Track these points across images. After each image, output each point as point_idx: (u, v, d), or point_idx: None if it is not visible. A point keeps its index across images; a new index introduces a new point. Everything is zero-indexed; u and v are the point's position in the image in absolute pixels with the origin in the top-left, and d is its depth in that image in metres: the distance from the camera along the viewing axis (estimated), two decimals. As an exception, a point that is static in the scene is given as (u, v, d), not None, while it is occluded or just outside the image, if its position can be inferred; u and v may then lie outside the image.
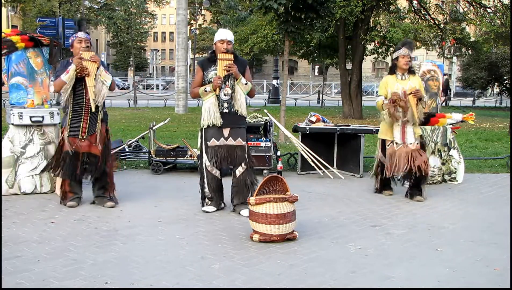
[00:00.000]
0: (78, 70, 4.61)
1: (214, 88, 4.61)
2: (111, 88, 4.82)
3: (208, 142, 4.73)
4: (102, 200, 4.91)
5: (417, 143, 5.44)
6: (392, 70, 5.53)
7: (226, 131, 4.70)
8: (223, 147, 4.70)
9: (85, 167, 4.85)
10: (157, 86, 34.33)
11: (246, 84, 4.72)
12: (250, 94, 4.85)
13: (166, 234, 4.10)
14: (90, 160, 4.83)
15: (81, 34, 4.77)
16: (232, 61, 4.63)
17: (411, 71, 5.48)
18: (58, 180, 5.34)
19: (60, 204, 4.89)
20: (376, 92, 38.27)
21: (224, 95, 4.66)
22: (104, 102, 4.90)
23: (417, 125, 5.45)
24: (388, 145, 5.53)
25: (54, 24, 16.85)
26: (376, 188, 5.82)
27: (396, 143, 5.45)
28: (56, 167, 4.87)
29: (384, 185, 5.75)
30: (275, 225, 3.85)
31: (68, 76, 4.62)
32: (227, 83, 4.66)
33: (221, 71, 4.61)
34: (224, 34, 4.74)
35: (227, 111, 4.66)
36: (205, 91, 4.66)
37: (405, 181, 5.95)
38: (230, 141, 4.71)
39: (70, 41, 4.85)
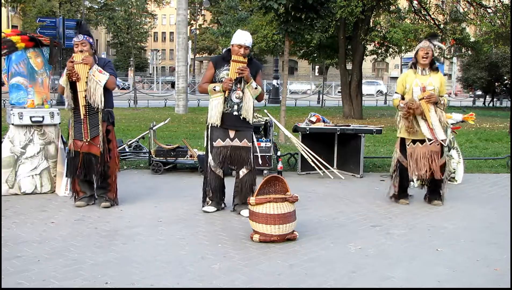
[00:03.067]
0: (67, 74, 4.57)
1: (224, 90, 4.59)
2: (109, 87, 4.70)
3: (213, 142, 4.72)
4: (100, 200, 4.90)
5: (438, 145, 5.13)
6: (414, 66, 5.22)
7: (232, 133, 4.69)
8: (228, 148, 4.69)
9: (89, 166, 4.82)
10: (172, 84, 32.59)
11: (256, 88, 4.68)
12: (259, 98, 4.82)
13: (166, 234, 4.10)
14: (90, 159, 4.79)
15: (76, 38, 4.67)
16: (246, 64, 4.59)
17: (434, 68, 5.17)
18: (58, 180, 5.35)
19: (65, 201, 4.91)
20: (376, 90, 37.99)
21: (236, 98, 4.61)
22: (109, 100, 4.79)
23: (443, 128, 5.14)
24: (408, 145, 5.22)
25: (54, 24, 16.89)
26: (393, 194, 5.35)
27: (429, 139, 5.10)
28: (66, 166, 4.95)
29: (401, 192, 5.33)
30: (275, 225, 3.85)
31: (63, 79, 4.63)
32: (238, 85, 4.61)
33: (233, 73, 4.57)
34: (243, 39, 4.61)
35: (236, 113, 4.63)
36: (214, 89, 4.63)
37: (411, 183, 5.74)
38: (236, 142, 4.69)
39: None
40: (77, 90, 4.62)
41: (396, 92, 5.32)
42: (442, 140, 5.11)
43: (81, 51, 4.64)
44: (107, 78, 4.65)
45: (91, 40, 4.76)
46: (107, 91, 4.73)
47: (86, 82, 4.60)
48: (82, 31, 4.72)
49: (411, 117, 5.07)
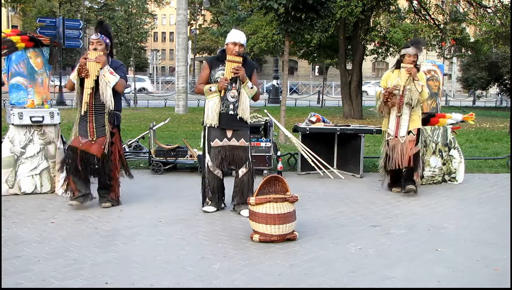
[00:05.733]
0: (78, 70, 4.61)
1: (220, 89, 4.61)
2: (118, 89, 4.71)
3: (211, 143, 4.72)
4: (101, 200, 4.90)
5: (414, 135, 5.54)
6: (397, 65, 5.63)
7: (229, 132, 4.69)
8: (226, 148, 4.69)
9: (86, 165, 4.79)
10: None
11: (252, 88, 4.70)
12: (255, 98, 4.83)
13: (166, 234, 4.10)
14: (88, 158, 4.75)
15: (93, 36, 4.74)
16: (241, 64, 4.61)
17: (415, 66, 5.57)
18: (58, 180, 5.34)
19: (65, 201, 4.88)
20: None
21: (231, 97, 4.63)
22: (117, 103, 4.76)
23: (419, 116, 5.58)
24: (389, 139, 5.67)
25: (54, 24, 16.88)
26: (387, 183, 5.87)
27: (389, 133, 5.61)
28: (61, 162, 4.92)
29: (394, 182, 5.80)
30: (275, 225, 3.85)
31: (73, 75, 4.68)
32: (234, 85, 4.64)
33: (228, 73, 4.59)
34: (238, 37, 4.66)
35: (232, 113, 4.64)
36: (210, 90, 4.65)
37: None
38: (233, 142, 4.70)
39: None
40: (84, 87, 4.65)
41: (379, 86, 5.77)
42: (401, 137, 5.56)
43: (95, 49, 4.69)
44: (117, 80, 4.67)
45: (107, 41, 4.78)
46: (116, 93, 4.74)
47: (95, 80, 4.64)
48: (101, 30, 4.77)
49: (388, 103, 5.53)
